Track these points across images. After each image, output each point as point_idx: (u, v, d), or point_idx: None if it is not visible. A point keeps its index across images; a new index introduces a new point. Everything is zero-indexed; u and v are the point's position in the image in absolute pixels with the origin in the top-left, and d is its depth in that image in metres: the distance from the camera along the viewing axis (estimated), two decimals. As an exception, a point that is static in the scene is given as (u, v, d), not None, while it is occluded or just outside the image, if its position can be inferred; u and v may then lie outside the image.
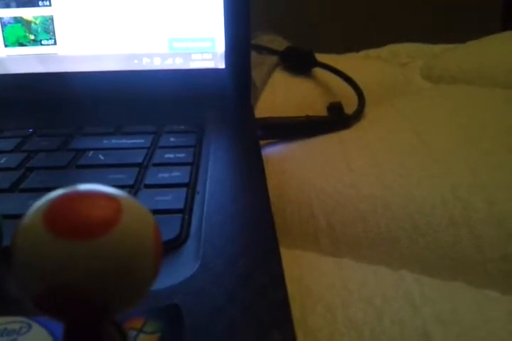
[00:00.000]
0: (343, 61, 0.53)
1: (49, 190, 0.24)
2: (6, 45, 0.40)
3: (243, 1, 0.39)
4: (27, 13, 0.39)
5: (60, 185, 0.23)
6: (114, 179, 0.25)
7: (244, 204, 0.23)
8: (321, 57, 0.51)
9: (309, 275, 0.23)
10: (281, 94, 0.47)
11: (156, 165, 0.27)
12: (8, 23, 0.39)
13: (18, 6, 0.39)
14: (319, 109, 0.43)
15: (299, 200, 0.29)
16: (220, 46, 0.40)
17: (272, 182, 0.30)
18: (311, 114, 0.40)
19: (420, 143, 0.34)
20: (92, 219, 0.10)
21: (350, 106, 0.42)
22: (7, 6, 0.39)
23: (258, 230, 0.20)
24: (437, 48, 0.58)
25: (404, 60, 0.57)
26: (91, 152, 0.29)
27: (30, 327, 0.15)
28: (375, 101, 0.43)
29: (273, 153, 0.35)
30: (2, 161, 0.28)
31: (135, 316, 0.14)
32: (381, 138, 0.35)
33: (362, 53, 0.65)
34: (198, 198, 0.24)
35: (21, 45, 0.40)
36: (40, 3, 0.39)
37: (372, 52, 0.63)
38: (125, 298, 0.10)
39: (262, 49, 0.56)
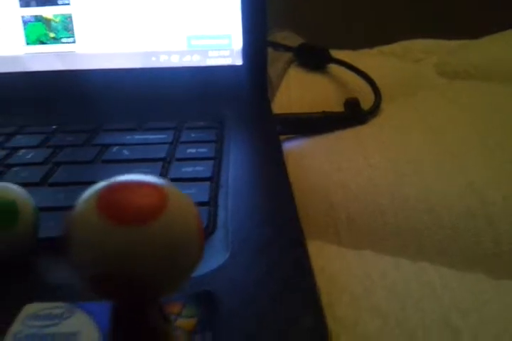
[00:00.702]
0: (356, 57, 0.53)
1: (77, 184, 0.25)
2: (27, 43, 0.40)
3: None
4: (47, 11, 0.40)
5: (88, 179, 0.24)
6: (140, 173, 0.26)
7: (267, 196, 0.23)
8: (333, 53, 0.51)
9: (331, 266, 0.24)
10: (297, 90, 0.47)
11: (179, 159, 0.28)
12: (29, 21, 0.40)
13: (38, 4, 0.40)
14: (335, 105, 0.43)
15: (319, 194, 0.30)
16: (237, 43, 0.41)
17: (291, 176, 0.30)
18: (327, 109, 0.41)
19: (436, 138, 0.35)
20: (141, 206, 0.10)
21: (365, 102, 0.42)
22: (27, 4, 0.40)
23: (283, 221, 0.21)
24: (451, 44, 0.58)
25: (418, 56, 0.58)
26: (115, 147, 0.29)
27: (72, 312, 0.16)
28: (391, 97, 0.44)
29: (291, 147, 0.36)
30: (29, 156, 0.29)
31: (173, 301, 0.15)
32: (397, 134, 0.36)
33: (375, 50, 0.65)
34: (221, 191, 0.25)
35: (42, 43, 0.40)
36: (60, 1, 0.40)
37: (386, 48, 0.63)
38: (172, 281, 0.11)
39: (277, 46, 0.56)
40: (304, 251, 0.19)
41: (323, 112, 0.39)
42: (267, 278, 0.17)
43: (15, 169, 0.27)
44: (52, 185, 0.25)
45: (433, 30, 0.62)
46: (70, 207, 0.22)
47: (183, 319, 0.14)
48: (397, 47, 0.62)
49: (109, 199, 0.11)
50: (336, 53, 0.52)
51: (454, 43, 0.59)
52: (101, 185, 0.11)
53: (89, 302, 0.16)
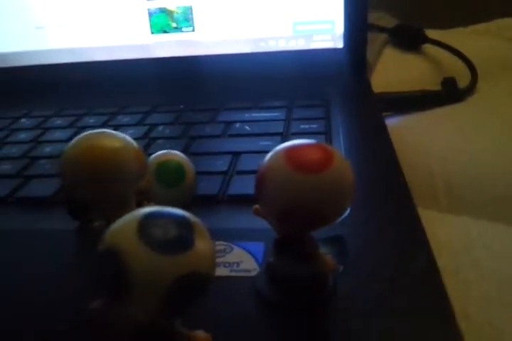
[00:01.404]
0: (450, 36, 0.55)
1: (213, 154, 0.30)
2: (152, 32, 0.46)
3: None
4: (170, 3, 0.45)
5: (221, 150, 0.29)
6: (264, 145, 0.30)
7: (377, 169, 0.27)
8: (428, 33, 0.53)
9: (433, 228, 0.27)
10: (393, 70, 0.50)
11: (294, 134, 0.32)
12: (154, 13, 0.45)
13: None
14: (430, 84, 0.46)
15: (419, 165, 0.33)
16: (339, 28, 0.44)
17: (393, 149, 0.34)
18: (422, 88, 0.43)
19: (532, 115, 0.37)
20: (316, 160, 0.15)
21: (461, 81, 0.44)
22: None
23: (391, 192, 0.24)
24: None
25: (515, 34, 0.58)
26: (237, 124, 0.34)
27: (232, 248, 0.21)
28: (486, 75, 0.45)
29: (392, 124, 0.39)
30: (167, 131, 0.34)
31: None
32: (494, 111, 0.38)
33: (469, 28, 0.65)
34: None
35: (165, 32, 0.46)
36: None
37: (481, 26, 0.63)
38: (335, 215, 0.15)
39: (372, 27, 0.58)
40: (415, 211, 0.22)
41: (421, 91, 0.42)
42: (386, 228, 0.21)
43: (159, 142, 0.32)
44: (193, 154, 0.30)
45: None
46: (212, 172, 0.27)
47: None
48: (492, 25, 0.62)
49: (293, 155, 0.15)
50: (430, 33, 0.53)
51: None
52: (284, 146, 0.16)
53: (244, 242, 0.21)
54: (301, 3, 0.44)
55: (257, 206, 0.17)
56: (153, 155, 0.23)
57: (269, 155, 0.16)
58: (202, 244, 0.12)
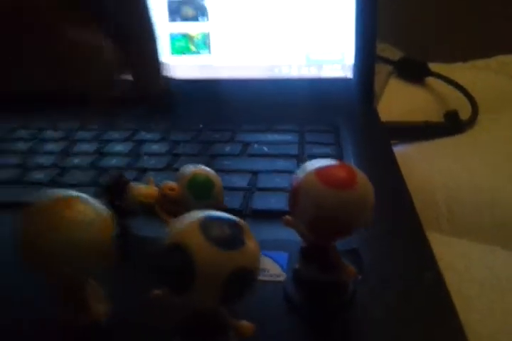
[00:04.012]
0: (452, 71, 0.58)
1: (234, 171, 0.32)
2: (171, 53, 0.48)
3: (371, 22, 0.45)
4: (190, 28, 0.47)
5: (241, 168, 0.31)
6: (282, 165, 0.32)
7: (387, 192, 0.29)
8: (430, 66, 0.56)
9: (436, 249, 0.29)
10: (398, 101, 0.52)
11: (308, 156, 0.34)
12: (176, 37, 0.48)
13: (182, 20, 0.48)
14: (433, 115, 0.48)
15: (423, 191, 0.35)
16: (349, 59, 0.47)
17: (399, 175, 0.36)
18: (425, 119, 0.46)
19: (529, 148, 0.39)
20: (343, 178, 0.17)
21: (462, 113, 0.47)
22: (174, 19, 0.48)
23: (401, 213, 0.27)
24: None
25: (514, 72, 0.61)
26: (255, 144, 0.36)
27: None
28: (487, 109, 0.48)
29: (396, 151, 0.41)
30: (187, 149, 0.36)
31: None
32: (494, 143, 0.40)
33: (469, 63, 0.68)
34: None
35: (183, 54, 0.48)
36: (200, 19, 0.48)
37: (481, 62, 0.66)
38: (359, 225, 0.17)
39: (378, 58, 0.61)
40: (422, 230, 0.24)
41: (425, 122, 0.44)
42: (396, 244, 0.23)
43: (181, 158, 0.34)
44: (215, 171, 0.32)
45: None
46: (233, 188, 0.29)
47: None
48: (492, 61, 0.65)
49: (323, 173, 0.17)
50: (432, 66, 0.56)
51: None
52: (315, 165, 0.18)
53: (269, 252, 0.23)
54: (314, 34, 0.46)
55: (287, 217, 0.19)
56: (183, 169, 0.25)
57: (301, 173, 0.18)
58: (251, 244, 0.14)
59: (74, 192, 0.16)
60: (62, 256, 0.15)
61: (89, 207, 0.15)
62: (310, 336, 0.19)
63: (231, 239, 0.14)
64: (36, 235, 0.15)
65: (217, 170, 0.32)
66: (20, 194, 0.29)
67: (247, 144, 0.36)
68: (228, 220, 0.14)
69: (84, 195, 0.16)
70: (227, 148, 0.36)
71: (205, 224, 0.14)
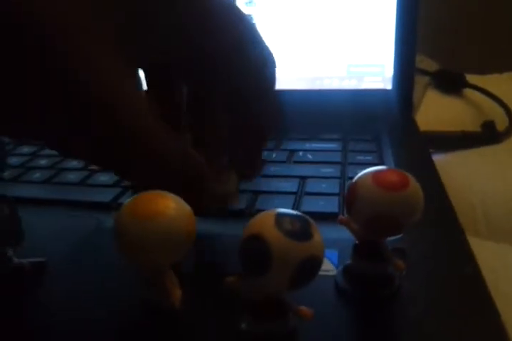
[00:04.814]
0: (488, 82, 0.59)
1: (280, 176, 0.34)
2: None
3: (411, 35, 0.47)
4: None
5: (287, 174, 0.33)
6: (326, 172, 0.35)
7: (428, 196, 0.31)
8: (467, 77, 0.58)
9: (474, 249, 0.31)
10: (435, 111, 0.54)
11: (351, 163, 0.37)
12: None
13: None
14: (469, 125, 0.50)
15: (460, 197, 0.37)
16: (389, 71, 0.49)
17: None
18: (462, 129, 0.47)
19: None
20: (397, 180, 0.19)
21: (498, 124, 0.48)
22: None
23: (442, 216, 0.29)
24: None
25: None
26: (301, 152, 0.39)
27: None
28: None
29: (435, 159, 0.43)
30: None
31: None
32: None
33: (505, 75, 0.69)
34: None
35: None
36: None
37: (517, 74, 0.68)
38: (408, 224, 0.19)
39: (416, 70, 0.63)
40: (462, 231, 0.26)
41: (462, 131, 0.46)
42: (438, 244, 0.25)
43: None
44: (263, 176, 0.34)
45: None
46: (283, 192, 0.31)
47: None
48: (527, 73, 0.66)
49: (378, 177, 0.19)
50: (469, 77, 0.58)
51: None
52: (370, 170, 0.20)
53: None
54: (355, 47, 0.49)
55: (341, 216, 0.21)
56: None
57: (357, 177, 0.20)
58: (317, 236, 0.17)
59: (162, 191, 0.18)
60: (154, 245, 0.17)
61: (177, 202, 0.18)
62: (358, 323, 0.21)
63: (301, 232, 0.16)
64: (132, 225, 0.17)
65: (266, 176, 0.35)
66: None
67: (293, 152, 0.39)
68: (297, 216, 0.17)
69: (170, 193, 0.18)
70: (274, 155, 0.38)
71: (279, 219, 0.16)
